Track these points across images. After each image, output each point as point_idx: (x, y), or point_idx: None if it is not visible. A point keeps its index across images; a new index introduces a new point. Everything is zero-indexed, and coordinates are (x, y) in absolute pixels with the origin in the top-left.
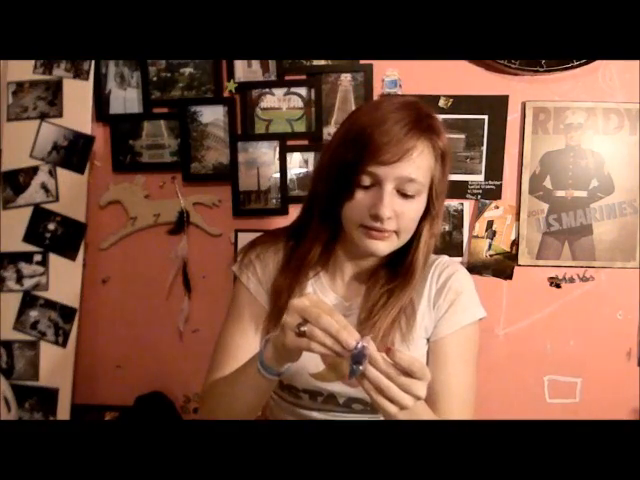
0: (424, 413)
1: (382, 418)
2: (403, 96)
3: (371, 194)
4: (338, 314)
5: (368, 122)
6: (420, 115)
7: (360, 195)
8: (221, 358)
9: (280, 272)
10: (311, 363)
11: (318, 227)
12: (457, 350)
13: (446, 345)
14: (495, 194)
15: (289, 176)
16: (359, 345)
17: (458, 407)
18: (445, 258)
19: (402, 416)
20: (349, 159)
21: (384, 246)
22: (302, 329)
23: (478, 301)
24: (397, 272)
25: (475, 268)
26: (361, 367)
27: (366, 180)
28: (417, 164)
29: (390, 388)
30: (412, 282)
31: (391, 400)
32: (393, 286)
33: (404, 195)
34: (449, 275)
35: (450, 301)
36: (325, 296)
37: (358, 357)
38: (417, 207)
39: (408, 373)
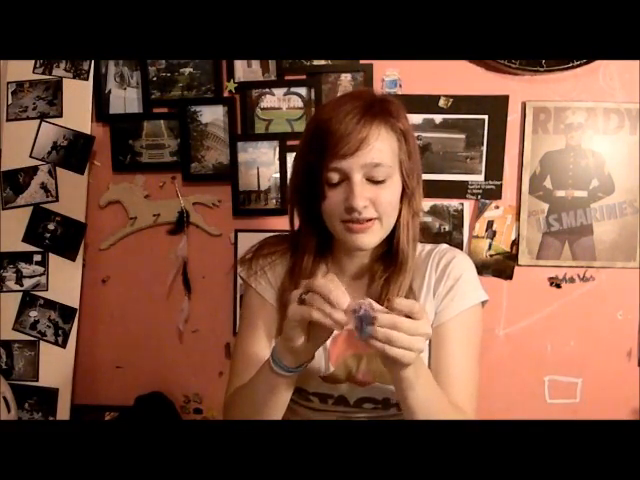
0: (423, 366)
1: (392, 414)
2: (360, 88)
3: (342, 189)
4: (342, 289)
5: (323, 120)
6: (372, 100)
7: (332, 193)
8: (239, 367)
9: (286, 277)
10: (321, 365)
11: (305, 233)
12: (457, 335)
13: (446, 331)
14: (495, 194)
15: (289, 176)
16: (363, 307)
17: (459, 393)
18: (444, 246)
19: (409, 374)
20: (313, 160)
21: (368, 238)
22: (303, 296)
23: (479, 285)
24: (391, 260)
25: (475, 268)
26: (373, 326)
27: (334, 177)
28: (378, 148)
29: (400, 338)
30: (405, 264)
31: (406, 348)
32: (389, 273)
33: (375, 181)
34: (448, 261)
35: (449, 287)
36: None
37: (366, 318)
38: (391, 191)
39: (409, 316)
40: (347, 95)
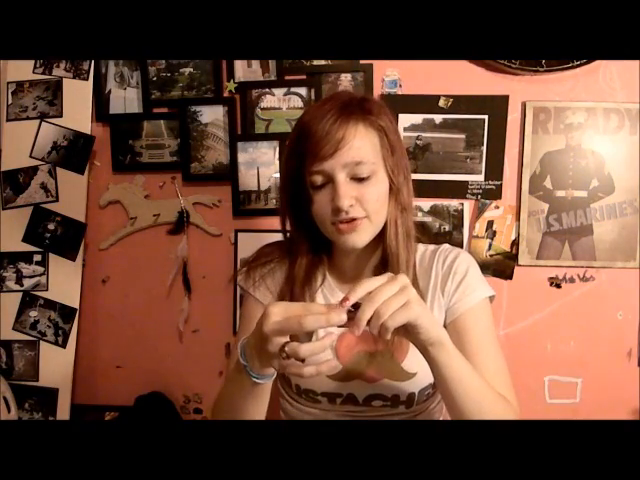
0: (456, 350)
1: (401, 412)
2: (340, 91)
3: (328, 190)
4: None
5: (303, 123)
6: (349, 100)
7: (318, 196)
8: None
9: (285, 284)
10: None
11: (298, 238)
12: (478, 324)
13: (465, 322)
14: (495, 194)
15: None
16: (345, 308)
17: (495, 380)
18: (446, 245)
19: (439, 352)
20: (296, 165)
21: (359, 236)
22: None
23: (485, 280)
24: (387, 258)
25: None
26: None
27: (318, 179)
28: (357, 146)
29: (384, 304)
30: (396, 260)
31: (401, 306)
32: (387, 271)
33: (359, 179)
34: (453, 259)
35: (458, 282)
36: (334, 297)
37: (349, 312)
38: (377, 188)
39: (372, 292)
40: (327, 98)
